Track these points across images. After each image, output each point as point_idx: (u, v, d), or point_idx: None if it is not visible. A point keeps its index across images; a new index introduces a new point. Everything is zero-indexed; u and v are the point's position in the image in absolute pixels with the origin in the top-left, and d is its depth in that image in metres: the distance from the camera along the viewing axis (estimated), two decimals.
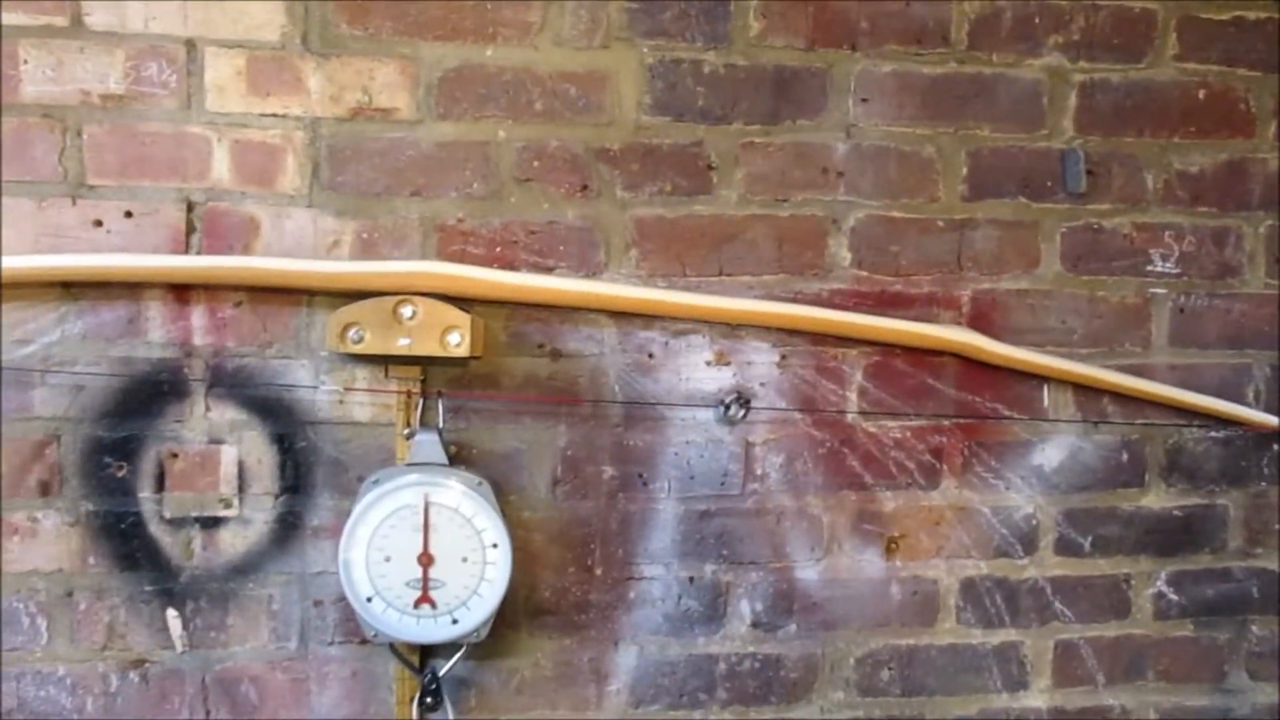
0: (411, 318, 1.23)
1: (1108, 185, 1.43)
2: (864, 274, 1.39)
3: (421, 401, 1.29)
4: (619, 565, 1.37)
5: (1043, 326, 1.43)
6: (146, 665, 1.30)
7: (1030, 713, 1.46)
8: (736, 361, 1.37)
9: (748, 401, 1.36)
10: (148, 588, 1.29)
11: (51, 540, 1.27)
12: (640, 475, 1.37)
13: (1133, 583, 1.47)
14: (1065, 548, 1.45)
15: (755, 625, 1.40)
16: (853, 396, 1.40)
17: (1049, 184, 1.42)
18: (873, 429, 1.40)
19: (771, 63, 1.36)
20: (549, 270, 1.33)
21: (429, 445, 1.26)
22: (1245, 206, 1.46)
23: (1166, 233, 1.45)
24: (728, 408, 1.36)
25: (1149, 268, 1.45)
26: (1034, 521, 1.44)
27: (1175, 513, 1.47)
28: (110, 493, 1.27)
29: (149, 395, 1.27)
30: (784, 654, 1.41)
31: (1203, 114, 1.45)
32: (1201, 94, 1.44)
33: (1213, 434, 1.47)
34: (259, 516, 1.30)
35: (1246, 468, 1.48)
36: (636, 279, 1.35)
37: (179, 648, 1.30)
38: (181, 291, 1.27)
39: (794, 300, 1.37)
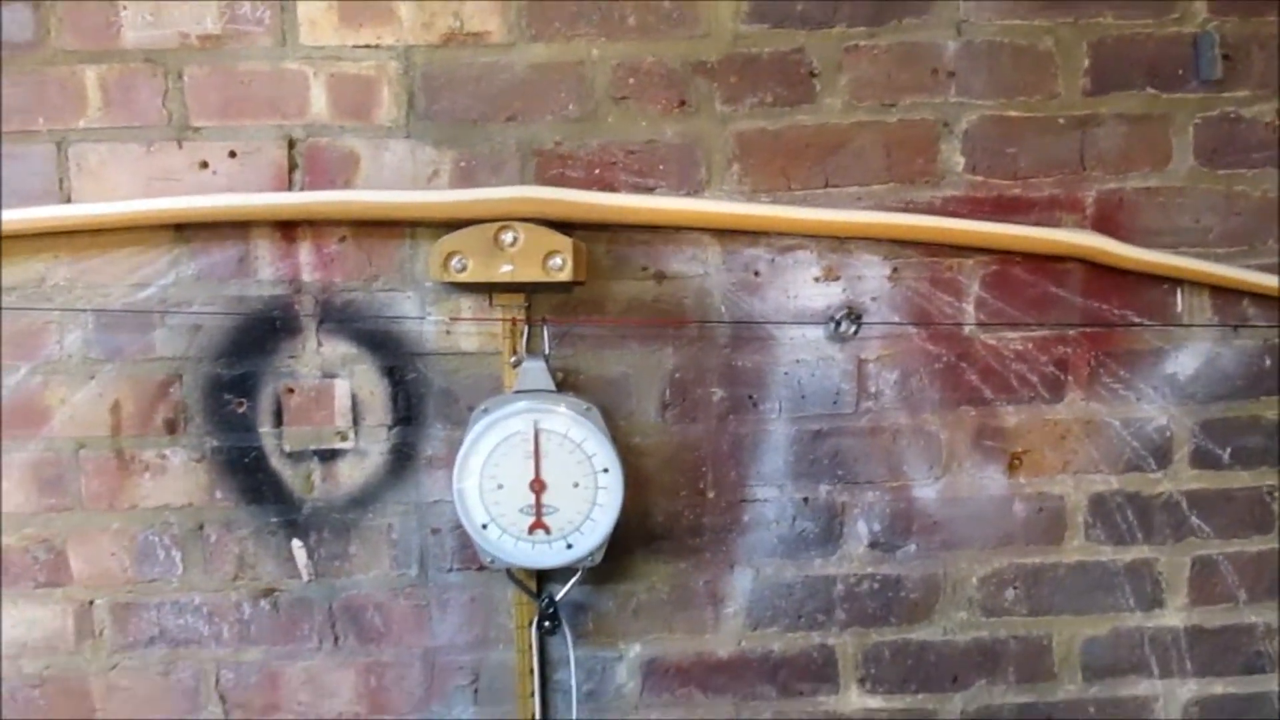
0: (513, 244, 1.22)
1: (1246, 71, 1.32)
2: (979, 179, 1.32)
3: (527, 329, 1.28)
4: (732, 488, 1.35)
5: (1175, 227, 1.34)
6: (276, 594, 1.34)
7: (1166, 632, 1.40)
8: (846, 276, 1.33)
9: (859, 317, 1.32)
10: (273, 519, 1.33)
11: (180, 476, 1.31)
12: (750, 396, 1.34)
13: (1277, 495, 1.39)
14: (1202, 460, 1.38)
15: (873, 546, 1.37)
16: (970, 308, 1.34)
17: (1180, 73, 1.32)
18: (992, 341, 1.34)
19: None
20: (649, 190, 1.30)
21: (536, 372, 1.25)
22: None
23: None
24: (838, 324, 1.32)
25: None
26: (1168, 433, 1.37)
27: None
28: (232, 429, 1.31)
29: (263, 332, 1.30)
30: (904, 575, 1.38)
31: None
32: None
33: None
34: (374, 448, 1.32)
35: None
36: (739, 195, 1.31)
37: (305, 577, 1.34)
38: (288, 229, 1.29)
39: (905, 210, 1.31)
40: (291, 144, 1.28)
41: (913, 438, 1.36)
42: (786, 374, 1.34)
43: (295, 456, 1.32)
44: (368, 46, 1.27)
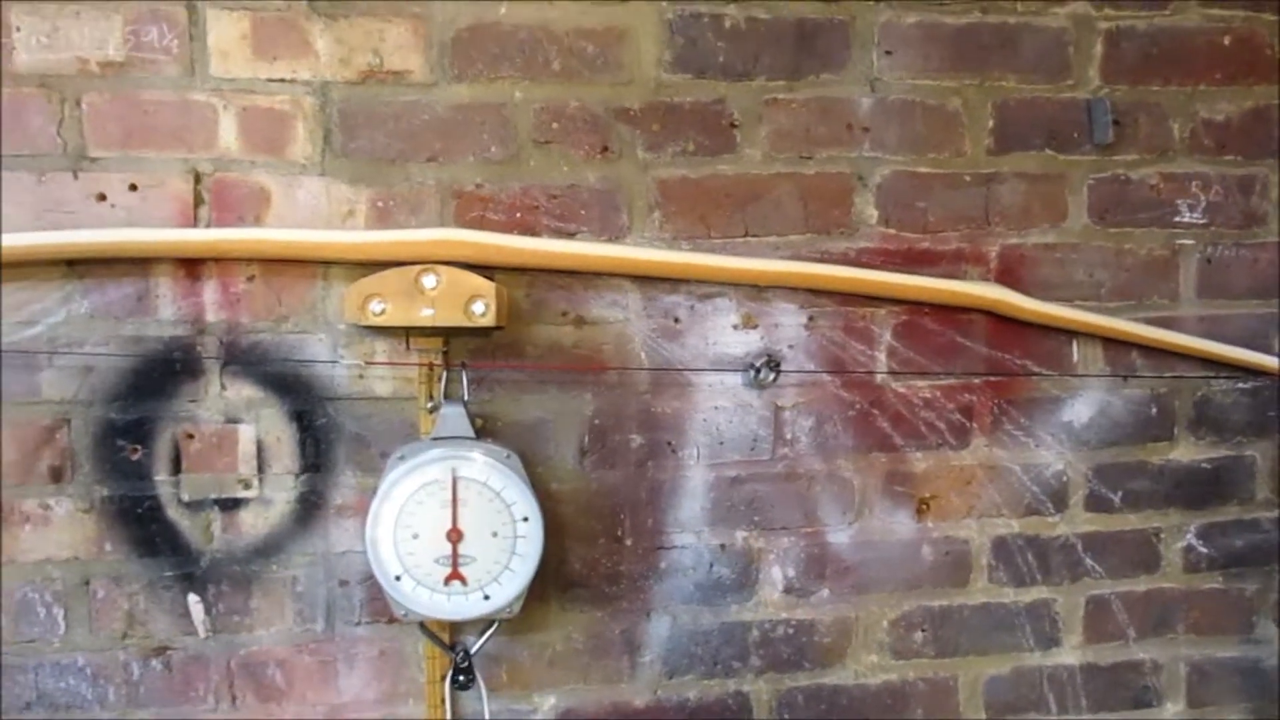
0: (434, 287, 1.19)
1: (1134, 135, 1.40)
2: (891, 231, 1.36)
3: (445, 373, 1.25)
4: (649, 535, 1.34)
5: (1071, 280, 1.40)
6: (169, 652, 1.26)
7: (1063, 670, 1.45)
8: (764, 324, 1.34)
9: (777, 364, 1.33)
10: (167, 573, 1.25)
11: (65, 527, 1.23)
12: (669, 443, 1.34)
13: (1162, 536, 1.46)
14: (1096, 504, 1.44)
15: (788, 591, 1.38)
16: (882, 356, 1.37)
17: (1075, 135, 1.39)
18: (902, 389, 1.38)
19: (793, 15, 1.31)
20: (571, 235, 1.29)
21: (454, 418, 1.22)
22: (1271, 153, 1.43)
23: (1193, 182, 1.42)
24: (757, 371, 1.33)
25: (1176, 218, 1.42)
26: (1064, 478, 1.43)
27: (1204, 465, 1.46)
28: (125, 476, 1.23)
29: (161, 375, 1.23)
30: (817, 619, 1.39)
31: (1228, 60, 1.42)
32: (1227, 40, 1.41)
33: (1240, 385, 1.46)
34: (280, 496, 1.26)
35: (1274, 417, 1.47)
36: (660, 242, 1.31)
37: (202, 633, 1.26)
38: (192, 266, 1.22)
39: (821, 260, 1.34)
40: (198, 178, 1.22)
41: (827, 483, 1.38)
42: (705, 420, 1.34)
43: (194, 506, 1.25)
44: (282, 80, 1.22)
